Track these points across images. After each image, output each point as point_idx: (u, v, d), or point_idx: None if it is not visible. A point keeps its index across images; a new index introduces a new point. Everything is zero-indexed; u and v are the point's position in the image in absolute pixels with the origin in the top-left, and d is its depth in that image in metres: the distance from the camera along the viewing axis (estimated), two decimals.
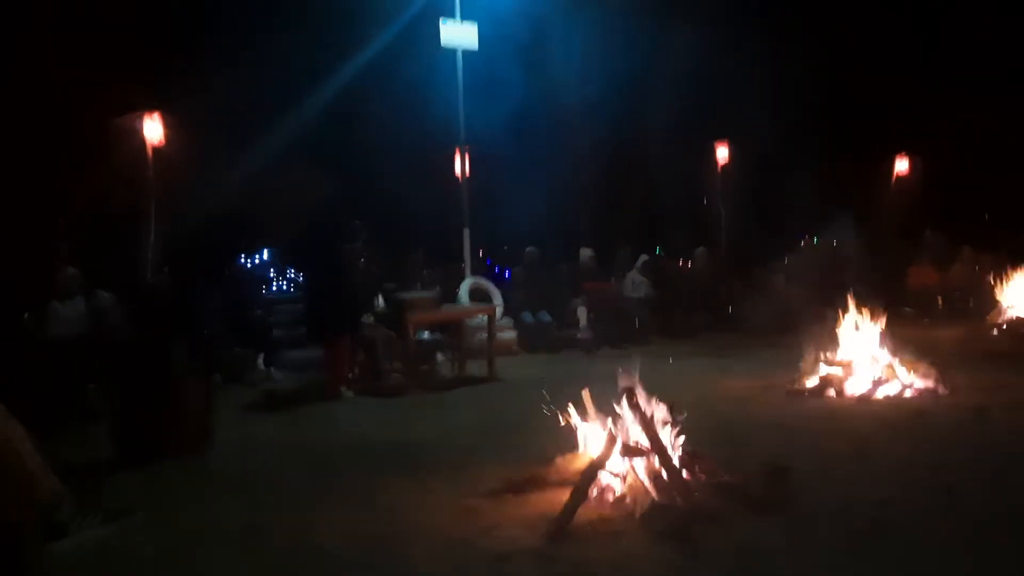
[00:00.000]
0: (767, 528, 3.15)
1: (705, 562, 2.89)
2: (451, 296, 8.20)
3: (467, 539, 3.15)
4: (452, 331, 7.32)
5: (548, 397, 3.78)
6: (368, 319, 6.85)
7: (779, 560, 2.88)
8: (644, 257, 9.48)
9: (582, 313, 8.77)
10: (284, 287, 10.00)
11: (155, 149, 7.49)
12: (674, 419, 3.50)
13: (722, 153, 11.08)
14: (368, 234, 7.08)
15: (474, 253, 9.31)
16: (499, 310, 8.16)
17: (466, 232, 9.02)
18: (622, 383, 3.49)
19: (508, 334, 8.38)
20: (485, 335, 7.23)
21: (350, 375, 6.42)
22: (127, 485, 4.05)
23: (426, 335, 7.21)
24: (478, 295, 8.56)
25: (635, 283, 9.22)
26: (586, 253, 9.32)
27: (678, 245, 10.67)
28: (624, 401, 3.46)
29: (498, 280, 9.46)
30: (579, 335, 8.51)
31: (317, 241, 6.66)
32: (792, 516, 3.27)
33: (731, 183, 10.94)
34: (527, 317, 8.66)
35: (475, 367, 7.21)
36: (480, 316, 7.58)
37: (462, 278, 8.82)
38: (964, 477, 3.63)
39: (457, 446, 4.60)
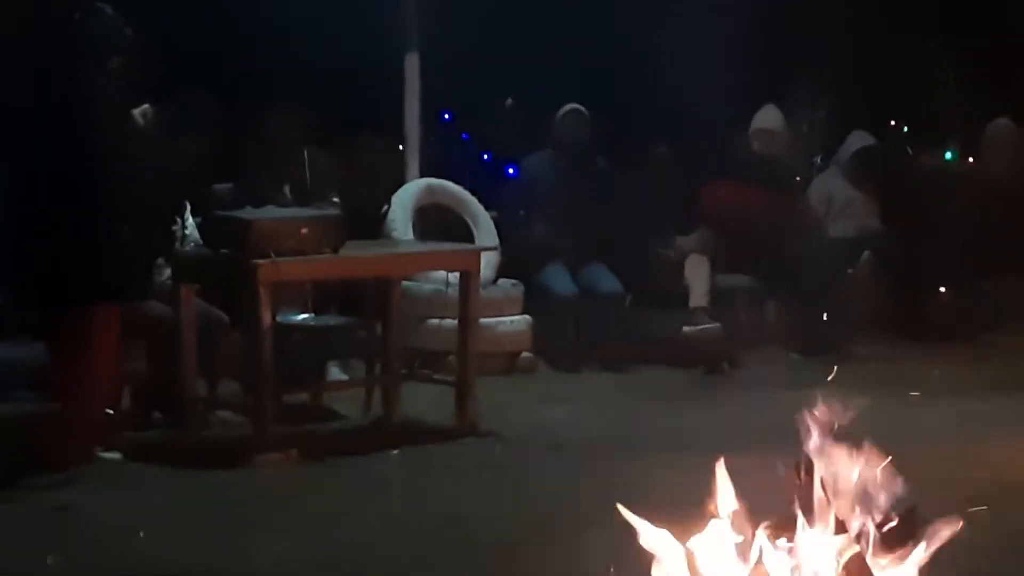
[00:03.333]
0: None
1: None
2: (370, 223, 8.38)
3: None
4: (369, 309, 7.56)
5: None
6: (161, 273, 7.08)
7: None
8: (861, 138, 9.79)
9: (698, 268, 8.93)
10: None
11: None
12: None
13: None
14: (151, 52, 7.00)
15: (429, 117, 9.64)
16: (488, 260, 8.23)
17: (411, 60, 9.24)
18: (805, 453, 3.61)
19: (511, 322, 8.63)
20: (450, 321, 7.51)
21: (111, 410, 6.60)
22: None
23: (302, 317, 7.42)
24: (437, 222, 8.77)
25: (836, 199, 9.58)
26: (769, 118, 9.62)
27: (948, 114, 10.78)
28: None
29: (490, 186, 9.69)
30: (688, 327, 8.70)
31: (26, 62, 6.50)
32: None
33: None
34: (557, 279, 8.89)
35: (425, 400, 7.43)
36: (441, 275, 7.89)
37: (400, 180, 9.08)
38: None
39: None
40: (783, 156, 9.69)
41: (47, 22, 6.53)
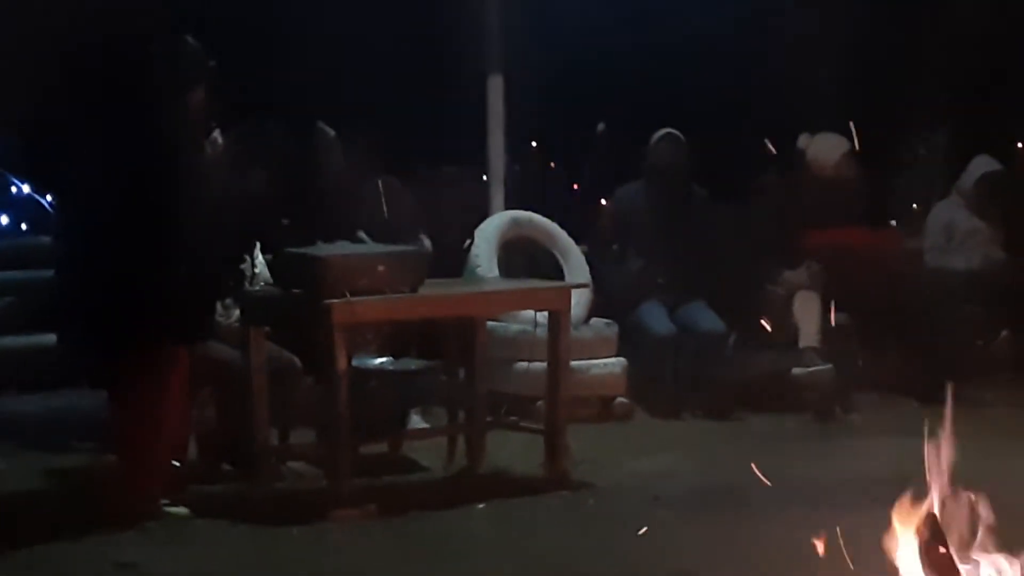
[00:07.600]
0: None
1: None
2: (453, 260, 8.45)
3: None
4: (451, 352, 7.61)
5: None
6: (229, 314, 7.09)
7: None
8: (985, 164, 9.67)
9: (808, 306, 8.93)
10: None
11: None
12: None
13: None
14: (220, 78, 6.90)
15: (516, 146, 9.78)
16: (579, 298, 8.26)
17: (495, 83, 9.20)
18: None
19: (604, 364, 8.65)
20: (538, 364, 7.41)
21: (177, 461, 6.66)
22: None
23: (379, 361, 7.44)
24: (524, 257, 8.85)
25: (958, 229, 9.49)
26: (832, 146, 9.47)
27: None
28: None
29: (580, 218, 9.80)
30: (798, 369, 8.75)
31: (93, 96, 6.47)
32: None
33: None
34: (654, 318, 8.90)
35: (512, 449, 7.47)
36: (528, 314, 7.89)
37: (483, 212, 9.15)
38: None
39: None
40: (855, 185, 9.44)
41: (126, 53, 6.51)
